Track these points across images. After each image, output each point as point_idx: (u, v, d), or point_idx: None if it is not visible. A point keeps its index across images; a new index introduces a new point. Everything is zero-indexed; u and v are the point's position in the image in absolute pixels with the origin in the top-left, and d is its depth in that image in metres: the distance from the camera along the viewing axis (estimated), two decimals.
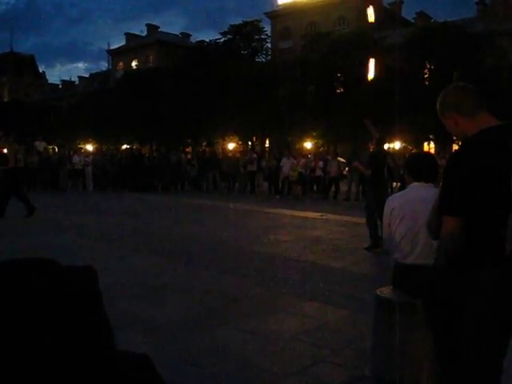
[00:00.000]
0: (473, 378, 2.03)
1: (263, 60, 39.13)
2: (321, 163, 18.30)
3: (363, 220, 8.20)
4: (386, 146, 9.55)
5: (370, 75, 9.19)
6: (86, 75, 75.71)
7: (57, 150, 21.60)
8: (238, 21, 38.37)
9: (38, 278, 0.66)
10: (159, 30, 63.46)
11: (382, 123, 23.46)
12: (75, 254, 6.70)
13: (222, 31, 37.60)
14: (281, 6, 52.63)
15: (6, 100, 64.70)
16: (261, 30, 38.19)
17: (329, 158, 18.36)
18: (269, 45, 41.21)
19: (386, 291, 3.16)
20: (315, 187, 19.21)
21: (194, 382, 3.14)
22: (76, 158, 19.41)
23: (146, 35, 62.54)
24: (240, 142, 35.08)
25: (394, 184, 15.80)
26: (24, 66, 76.20)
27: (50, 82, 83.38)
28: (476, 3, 41.35)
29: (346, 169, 17.72)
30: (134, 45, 60.41)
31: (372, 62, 9.32)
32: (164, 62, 44.59)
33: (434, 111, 2.26)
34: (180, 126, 33.98)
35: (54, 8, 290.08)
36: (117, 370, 0.69)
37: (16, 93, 71.03)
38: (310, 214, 12.23)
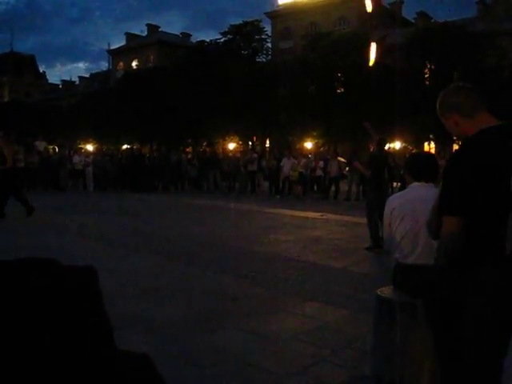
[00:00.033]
0: (473, 377, 2.03)
1: (263, 60, 39.12)
2: (321, 163, 18.30)
3: (364, 220, 8.20)
4: (386, 147, 9.52)
5: (372, 59, 9.13)
6: (87, 75, 75.78)
7: (57, 149, 21.58)
8: (238, 21, 38.38)
9: (38, 278, 0.66)
10: (159, 29, 63.43)
11: (383, 123, 23.52)
12: (75, 254, 6.70)
13: (223, 31, 37.59)
14: (281, 6, 52.60)
15: (6, 100, 64.74)
16: (261, 30, 38.16)
17: (329, 157, 18.38)
18: (269, 45, 41.18)
19: (386, 291, 3.16)
20: (315, 187, 19.21)
21: (194, 382, 3.14)
22: (76, 158, 19.39)
23: (146, 35, 62.54)
24: (240, 142, 35.10)
25: (395, 184, 15.80)
26: (24, 66, 76.21)
27: (50, 81, 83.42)
28: (476, 3, 41.35)
29: (347, 169, 17.72)
30: (134, 45, 60.40)
31: (373, 46, 9.27)
32: (164, 61, 44.55)
33: (434, 111, 2.26)
34: (180, 125, 34.00)
35: (54, 8, 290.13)
36: (117, 370, 0.69)
37: (16, 93, 71.05)
38: (311, 213, 12.23)
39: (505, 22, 32.91)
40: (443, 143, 27.06)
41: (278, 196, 17.93)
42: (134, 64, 58.86)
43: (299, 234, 9.21)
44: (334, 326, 4.16)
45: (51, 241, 7.79)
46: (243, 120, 32.01)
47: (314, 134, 32.24)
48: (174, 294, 5.02)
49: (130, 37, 64.25)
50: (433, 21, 40.71)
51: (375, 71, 27.13)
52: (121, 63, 60.60)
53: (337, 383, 3.12)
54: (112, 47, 63.02)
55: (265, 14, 51.60)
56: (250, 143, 35.73)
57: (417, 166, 3.17)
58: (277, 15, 52.31)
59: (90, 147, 27.22)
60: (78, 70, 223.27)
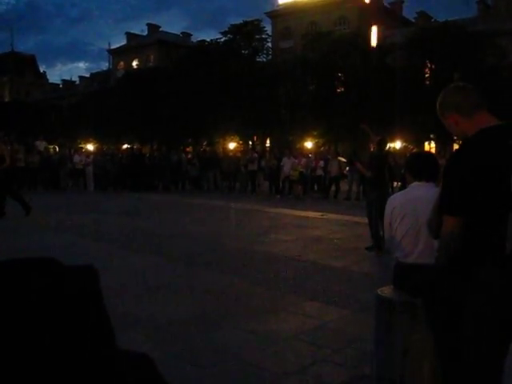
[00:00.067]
0: (473, 377, 2.03)
1: (264, 60, 39.11)
2: (321, 163, 18.30)
3: (364, 219, 8.20)
4: (387, 146, 9.51)
5: (373, 42, 9.18)
6: (87, 75, 75.88)
7: (57, 149, 21.57)
8: (238, 20, 38.47)
9: (38, 278, 0.66)
10: (160, 29, 63.51)
11: (383, 123, 23.51)
12: (75, 253, 6.69)
13: (223, 31, 37.61)
14: (281, 5, 52.64)
15: (6, 100, 64.83)
16: (261, 30, 38.17)
17: (329, 157, 18.37)
18: (269, 44, 41.19)
19: (386, 291, 3.16)
20: (316, 187, 19.21)
21: (194, 382, 3.14)
22: (77, 158, 19.40)
23: (146, 35, 62.59)
24: (241, 142, 35.10)
25: (395, 183, 15.81)
26: (25, 66, 76.30)
27: (50, 81, 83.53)
28: (477, 3, 41.36)
29: (347, 168, 17.72)
30: (134, 44, 60.46)
31: (374, 29, 9.32)
32: (165, 61, 44.60)
33: (434, 111, 2.26)
34: (181, 125, 33.99)
35: (54, 8, 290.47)
36: (117, 370, 0.69)
37: (17, 92, 71.17)
38: (311, 213, 12.24)
39: (505, 22, 32.90)
40: (444, 143, 27.07)
41: (279, 195, 17.93)
42: (135, 64, 58.92)
43: (299, 233, 9.21)
44: (335, 326, 4.16)
45: (51, 240, 7.80)
46: (244, 119, 32.00)
47: (315, 133, 32.24)
48: (174, 294, 5.02)
49: (130, 36, 64.31)
50: (433, 20, 40.75)
51: (375, 71, 27.14)
52: (121, 63, 60.64)
53: (337, 383, 3.12)
54: (112, 47, 63.16)
55: (265, 13, 51.65)
56: (251, 143, 35.73)
57: (417, 166, 3.17)
58: (277, 15, 52.35)
59: (90, 147, 27.23)
60: (79, 69, 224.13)
